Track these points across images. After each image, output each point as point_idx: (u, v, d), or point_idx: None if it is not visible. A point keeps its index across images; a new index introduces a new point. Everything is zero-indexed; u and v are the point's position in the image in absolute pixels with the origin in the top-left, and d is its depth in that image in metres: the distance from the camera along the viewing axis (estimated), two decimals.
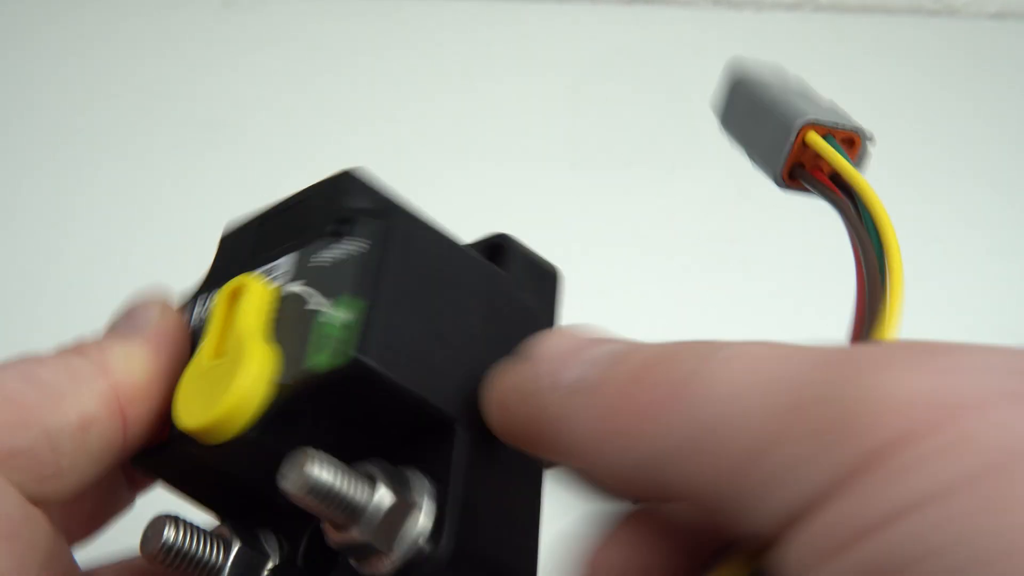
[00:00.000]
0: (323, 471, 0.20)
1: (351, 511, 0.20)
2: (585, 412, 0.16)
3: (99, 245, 0.49)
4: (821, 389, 0.14)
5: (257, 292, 0.22)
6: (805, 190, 0.22)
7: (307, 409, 0.21)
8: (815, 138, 0.21)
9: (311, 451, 0.20)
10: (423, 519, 0.20)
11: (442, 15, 0.60)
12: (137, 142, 0.53)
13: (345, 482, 0.20)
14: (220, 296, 0.23)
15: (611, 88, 0.57)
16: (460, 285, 0.23)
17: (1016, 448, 0.13)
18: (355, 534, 0.20)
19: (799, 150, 0.22)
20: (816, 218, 0.54)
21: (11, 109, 0.54)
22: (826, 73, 0.62)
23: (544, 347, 0.18)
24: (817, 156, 0.21)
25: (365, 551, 0.20)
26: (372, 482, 0.20)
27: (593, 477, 0.17)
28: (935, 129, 0.55)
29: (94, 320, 0.50)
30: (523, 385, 0.18)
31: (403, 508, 0.20)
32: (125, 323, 0.22)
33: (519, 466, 0.22)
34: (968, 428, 0.13)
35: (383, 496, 0.20)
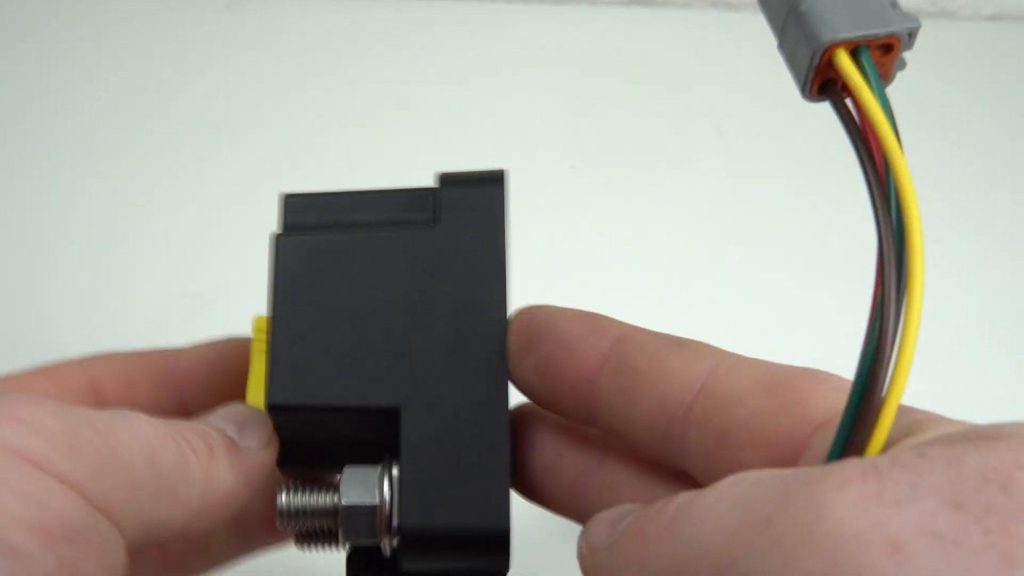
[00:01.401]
0: (290, 496, 0.23)
1: (330, 525, 0.23)
2: (607, 559, 0.19)
3: (98, 245, 0.49)
4: (780, 511, 0.15)
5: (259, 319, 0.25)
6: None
7: (288, 427, 0.24)
8: (842, 60, 0.19)
9: (281, 484, 0.24)
10: (387, 505, 0.23)
11: (442, 15, 0.60)
12: (138, 142, 0.53)
13: (313, 499, 0.23)
14: None
15: (611, 88, 0.58)
16: (367, 277, 0.24)
17: None
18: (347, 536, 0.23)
19: (825, 68, 0.19)
20: (816, 217, 0.54)
21: (10, 109, 0.54)
22: None
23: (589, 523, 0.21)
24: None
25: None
26: (335, 494, 0.23)
27: None
28: (932, 131, 0.55)
29: (94, 321, 0.50)
30: (578, 550, 0.21)
31: (367, 507, 0.23)
32: (239, 435, 0.24)
33: (482, 424, 0.23)
34: (889, 571, 0.14)
35: (349, 502, 0.23)
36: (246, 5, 0.59)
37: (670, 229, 0.51)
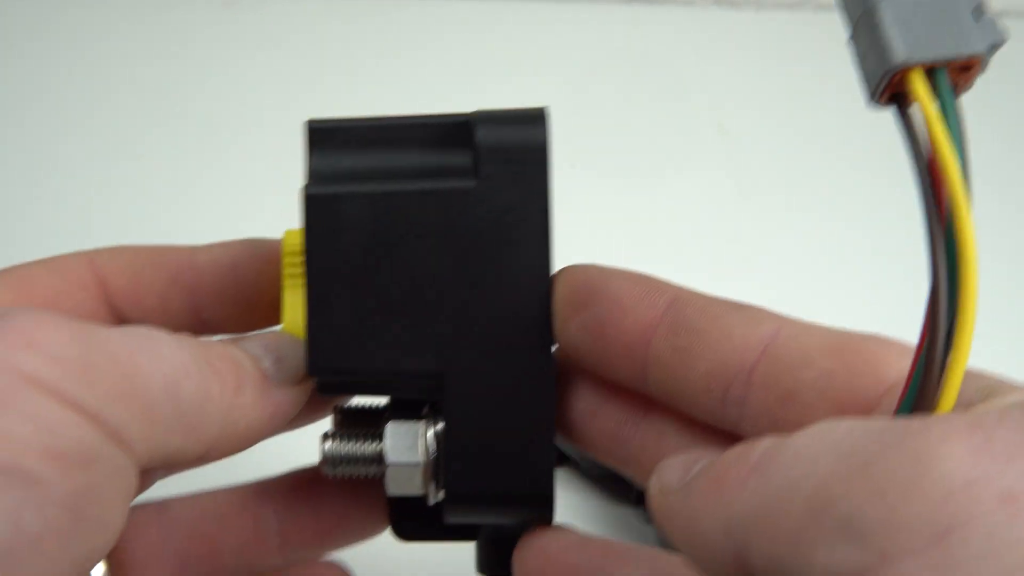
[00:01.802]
0: (336, 445, 0.23)
1: (376, 470, 0.23)
2: (682, 500, 0.19)
3: (97, 246, 0.49)
4: (882, 457, 0.15)
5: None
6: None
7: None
8: (916, 84, 0.17)
9: (326, 433, 0.24)
10: (432, 462, 0.23)
11: (443, 15, 0.60)
12: (137, 142, 0.53)
13: (357, 449, 0.23)
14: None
15: (611, 88, 0.57)
16: (405, 235, 0.22)
17: None
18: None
19: (897, 83, 0.18)
20: (818, 217, 0.54)
21: (9, 110, 0.54)
22: (827, 73, 0.62)
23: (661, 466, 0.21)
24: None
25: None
26: (379, 450, 0.23)
27: (701, 563, 0.19)
28: None
29: None
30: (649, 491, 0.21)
31: (413, 464, 0.23)
32: (275, 368, 0.23)
33: (527, 388, 0.23)
34: (1001, 522, 0.14)
35: (392, 456, 0.23)
36: (244, 4, 0.59)
37: (671, 228, 0.51)
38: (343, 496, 0.26)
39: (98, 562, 0.23)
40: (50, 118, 0.54)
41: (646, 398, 0.24)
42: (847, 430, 0.16)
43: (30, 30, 0.58)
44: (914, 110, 0.18)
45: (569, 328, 0.23)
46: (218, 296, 0.26)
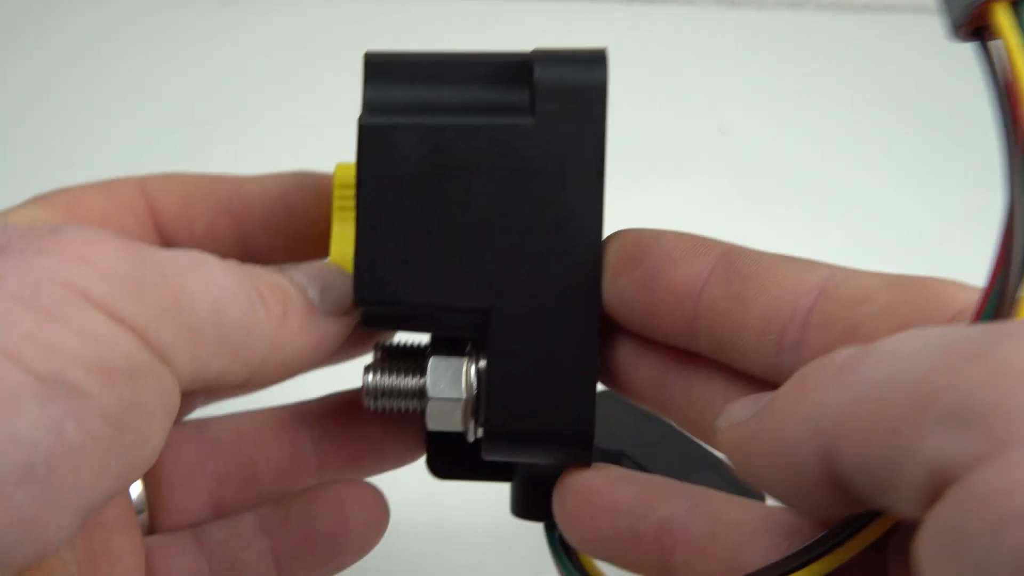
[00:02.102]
0: (378, 377, 0.23)
1: (418, 401, 0.23)
2: (758, 423, 0.19)
3: None
4: (994, 346, 0.15)
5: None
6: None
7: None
8: (1000, 18, 0.18)
9: (368, 365, 0.24)
10: (474, 398, 0.23)
11: (443, 15, 0.60)
12: (136, 142, 0.53)
13: (399, 381, 0.23)
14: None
15: (612, 86, 0.57)
16: (459, 170, 0.22)
17: None
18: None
19: (979, 16, 0.18)
20: (820, 218, 0.53)
21: (9, 110, 0.54)
22: (829, 72, 0.62)
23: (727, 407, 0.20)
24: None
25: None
26: (421, 383, 0.23)
27: (786, 478, 0.19)
28: (938, 129, 0.55)
29: None
30: (716, 429, 0.20)
31: (455, 400, 0.23)
32: (321, 299, 0.23)
33: (572, 328, 0.23)
34: None
35: (435, 390, 0.23)
36: (242, 3, 0.59)
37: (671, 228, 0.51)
38: (380, 422, 0.26)
39: (138, 477, 0.23)
40: (48, 118, 0.54)
41: (692, 354, 0.23)
42: (942, 331, 0.16)
43: (30, 29, 0.58)
44: (995, 45, 0.18)
45: (618, 284, 0.23)
46: (266, 226, 0.26)
